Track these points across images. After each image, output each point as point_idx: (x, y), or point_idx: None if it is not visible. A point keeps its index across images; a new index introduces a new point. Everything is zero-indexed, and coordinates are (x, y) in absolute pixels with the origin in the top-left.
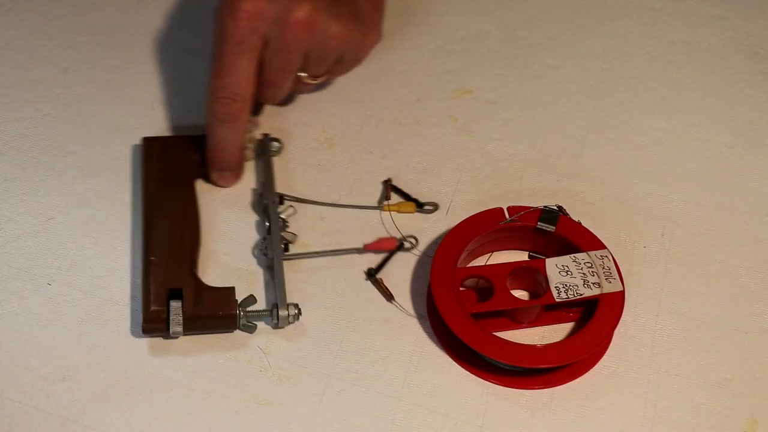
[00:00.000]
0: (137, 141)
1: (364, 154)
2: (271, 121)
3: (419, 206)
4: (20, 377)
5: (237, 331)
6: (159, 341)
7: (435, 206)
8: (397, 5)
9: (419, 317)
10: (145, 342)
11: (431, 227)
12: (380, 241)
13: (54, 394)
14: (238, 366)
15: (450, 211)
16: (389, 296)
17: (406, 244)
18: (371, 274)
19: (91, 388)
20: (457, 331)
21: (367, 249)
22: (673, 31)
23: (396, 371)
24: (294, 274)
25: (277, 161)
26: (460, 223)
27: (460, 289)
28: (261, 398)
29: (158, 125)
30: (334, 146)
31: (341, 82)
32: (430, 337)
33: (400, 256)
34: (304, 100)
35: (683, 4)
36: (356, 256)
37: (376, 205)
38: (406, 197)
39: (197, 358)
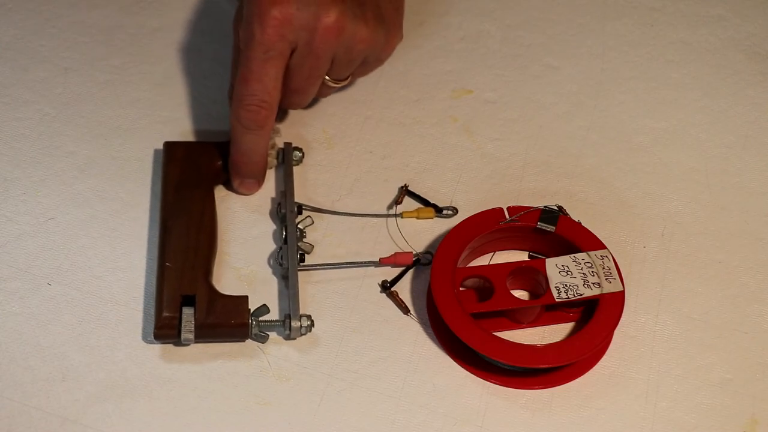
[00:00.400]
0: (137, 141)
1: (364, 154)
2: None
3: (438, 211)
4: (20, 377)
5: None
6: (186, 346)
7: (455, 210)
8: None
9: (420, 318)
10: (145, 342)
11: (431, 227)
12: (396, 255)
13: (54, 394)
14: (238, 366)
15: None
16: (405, 309)
17: (423, 260)
18: (386, 287)
19: (91, 388)
20: (457, 331)
21: (382, 263)
22: (673, 31)
23: (396, 371)
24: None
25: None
26: (460, 223)
27: (460, 289)
28: (261, 398)
29: (158, 125)
30: (334, 146)
31: None
32: (430, 337)
33: None
34: None
35: (683, 4)
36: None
37: (393, 212)
38: (425, 203)
39: (197, 359)
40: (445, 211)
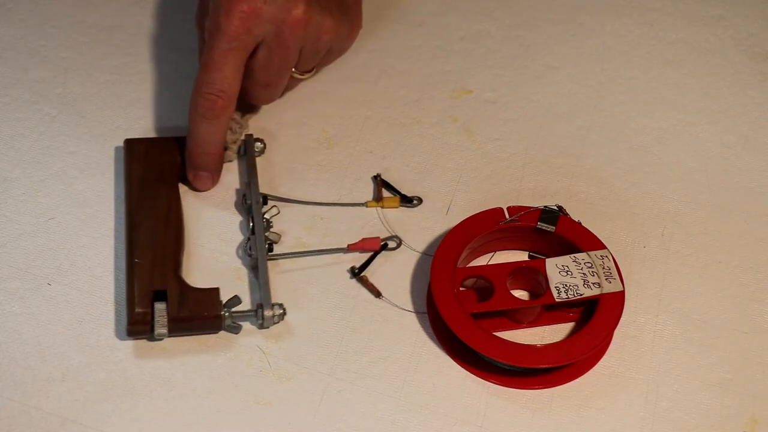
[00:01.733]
0: None
1: (364, 154)
2: (271, 121)
3: (407, 201)
4: (20, 377)
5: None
6: (161, 340)
7: (419, 200)
8: (398, 5)
9: (419, 317)
10: (145, 342)
11: (431, 227)
12: (364, 240)
13: (54, 394)
14: (238, 366)
15: (450, 211)
16: (377, 293)
17: (390, 244)
18: (356, 273)
19: (91, 388)
20: (457, 331)
21: (350, 249)
22: (673, 31)
23: (396, 371)
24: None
25: (277, 161)
26: (460, 223)
27: (460, 289)
28: (261, 398)
29: (158, 125)
30: (334, 146)
31: (341, 82)
32: (430, 337)
33: (400, 255)
34: (304, 100)
35: (683, 4)
36: (346, 254)
37: (357, 202)
38: (393, 191)
39: (197, 358)
40: (414, 201)
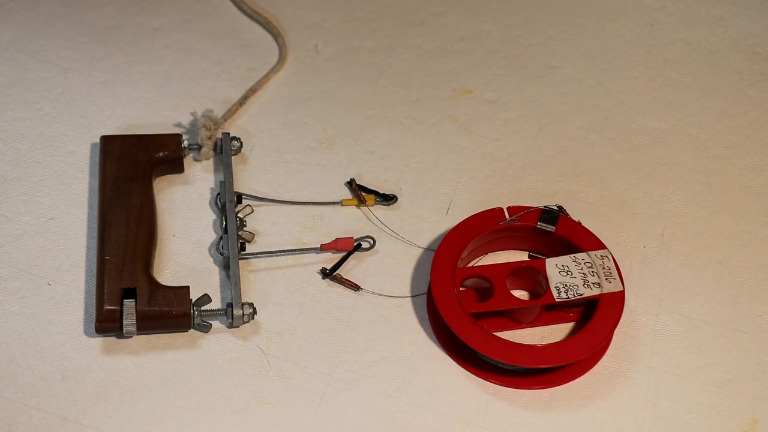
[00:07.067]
0: None
1: (364, 154)
2: (270, 121)
3: (385, 199)
4: (20, 377)
5: (239, 330)
6: (160, 340)
7: (395, 197)
8: (397, 5)
9: (419, 317)
10: (145, 341)
11: (431, 227)
12: (337, 241)
13: (54, 394)
14: (238, 366)
15: (450, 211)
16: (356, 287)
17: (364, 244)
18: (327, 274)
19: (91, 388)
20: (457, 331)
21: (324, 249)
22: (673, 31)
23: (396, 371)
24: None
25: (275, 160)
26: (460, 223)
27: (460, 289)
28: (261, 398)
29: (158, 125)
30: (334, 146)
31: (342, 82)
32: (430, 337)
33: (400, 254)
34: (304, 100)
35: (683, 4)
36: (319, 254)
37: (333, 201)
38: (367, 191)
39: (197, 358)
40: (390, 199)
